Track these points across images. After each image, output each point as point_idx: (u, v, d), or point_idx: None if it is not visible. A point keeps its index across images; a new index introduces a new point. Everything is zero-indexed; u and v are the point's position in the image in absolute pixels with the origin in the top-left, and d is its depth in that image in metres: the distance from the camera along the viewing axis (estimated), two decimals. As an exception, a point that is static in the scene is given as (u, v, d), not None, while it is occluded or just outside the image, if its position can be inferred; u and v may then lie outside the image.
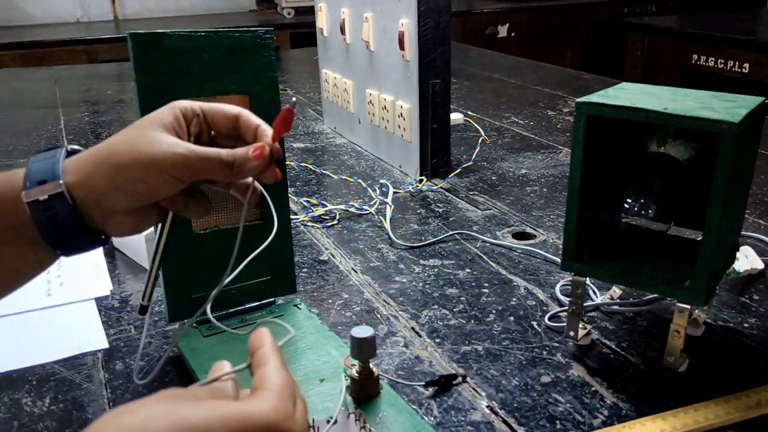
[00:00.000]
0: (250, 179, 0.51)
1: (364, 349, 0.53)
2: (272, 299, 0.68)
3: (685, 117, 0.52)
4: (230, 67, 0.61)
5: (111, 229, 0.48)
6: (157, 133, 0.46)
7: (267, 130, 0.50)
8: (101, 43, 2.75)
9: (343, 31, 1.20)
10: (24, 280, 0.49)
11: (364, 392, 0.54)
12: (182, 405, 0.32)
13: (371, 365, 0.54)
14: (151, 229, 0.63)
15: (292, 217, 0.94)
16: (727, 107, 0.54)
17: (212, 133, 0.52)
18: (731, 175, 0.52)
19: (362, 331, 0.53)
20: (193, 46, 0.59)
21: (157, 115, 0.48)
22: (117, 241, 0.85)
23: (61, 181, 0.45)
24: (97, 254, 0.83)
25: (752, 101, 0.57)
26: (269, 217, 0.64)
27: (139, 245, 0.79)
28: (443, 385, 0.58)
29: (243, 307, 0.66)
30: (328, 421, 0.51)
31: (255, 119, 0.51)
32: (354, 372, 0.54)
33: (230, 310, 0.65)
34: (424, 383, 0.58)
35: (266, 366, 0.37)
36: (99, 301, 0.74)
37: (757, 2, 3.90)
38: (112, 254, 0.84)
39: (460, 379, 0.59)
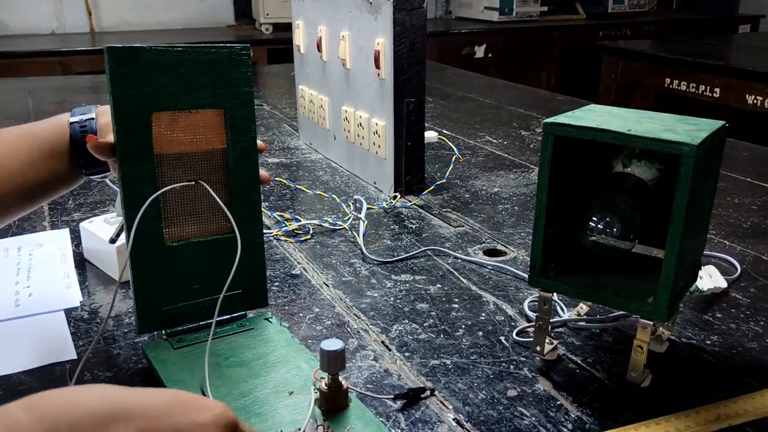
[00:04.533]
0: None
1: (333, 362, 0.54)
2: (243, 312, 0.68)
3: (648, 138, 0.54)
4: (207, 81, 0.61)
5: None
6: None
7: None
8: (76, 55, 2.73)
9: (320, 49, 1.22)
10: (54, 193, 0.71)
11: (333, 405, 0.55)
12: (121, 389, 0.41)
13: (340, 378, 0.55)
14: (123, 241, 0.63)
15: (264, 231, 0.94)
16: (689, 130, 0.56)
17: None
18: (692, 196, 0.54)
19: (332, 344, 0.54)
20: (171, 61, 0.59)
21: None
22: (87, 253, 0.85)
23: (92, 114, 0.70)
24: (68, 265, 0.83)
25: (714, 125, 0.59)
26: (244, 229, 0.64)
27: (110, 257, 0.79)
28: (411, 398, 0.59)
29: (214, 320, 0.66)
30: (296, 433, 0.51)
31: None
32: (323, 385, 0.55)
33: (201, 323, 0.65)
34: (392, 396, 0.59)
35: None
36: (68, 312, 0.73)
37: (728, 29, 4.00)
38: (82, 266, 0.84)
39: (428, 392, 0.60)
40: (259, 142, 0.66)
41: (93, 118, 0.69)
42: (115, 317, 0.73)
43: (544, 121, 0.59)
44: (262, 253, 0.67)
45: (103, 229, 0.81)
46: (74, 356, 0.65)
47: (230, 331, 0.66)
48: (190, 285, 0.64)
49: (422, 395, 0.59)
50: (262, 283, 0.68)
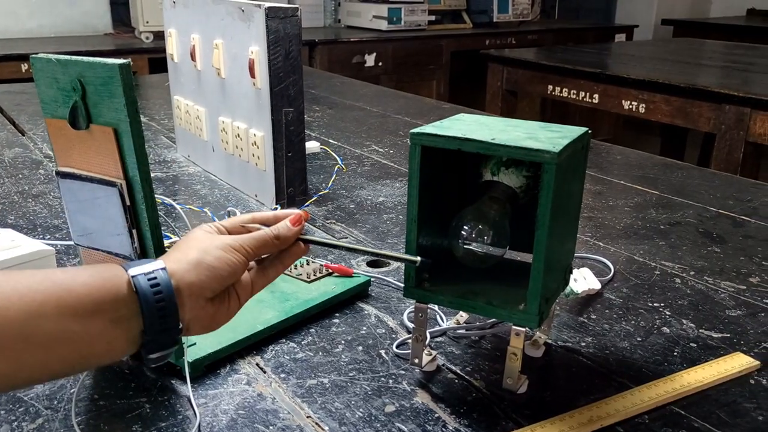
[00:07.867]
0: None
1: None
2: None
3: (511, 147, 0.54)
4: None
5: (193, 324, 0.51)
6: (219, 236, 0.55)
7: (283, 213, 0.58)
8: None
9: (193, 58, 1.17)
10: (88, 363, 0.51)
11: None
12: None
13: None
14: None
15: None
16: (551, 137, 0.57)
17: None
18: (556, 201, 0.55)
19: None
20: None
21: (206, 233, 0.56)
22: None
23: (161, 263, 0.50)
24: None
25: (576, 131, 0.61)
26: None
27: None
28: None
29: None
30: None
31: (266, 213, 0.59)
32: None
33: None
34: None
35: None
36: None
37: (605, 38, 4.22)
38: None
39: (302, 414, 0.58)
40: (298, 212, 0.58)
41: (164, 268, 0.49)
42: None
43: (411, 131, 0.58)
44: None
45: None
46: None
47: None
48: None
49: (296, 418, 0.57)
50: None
